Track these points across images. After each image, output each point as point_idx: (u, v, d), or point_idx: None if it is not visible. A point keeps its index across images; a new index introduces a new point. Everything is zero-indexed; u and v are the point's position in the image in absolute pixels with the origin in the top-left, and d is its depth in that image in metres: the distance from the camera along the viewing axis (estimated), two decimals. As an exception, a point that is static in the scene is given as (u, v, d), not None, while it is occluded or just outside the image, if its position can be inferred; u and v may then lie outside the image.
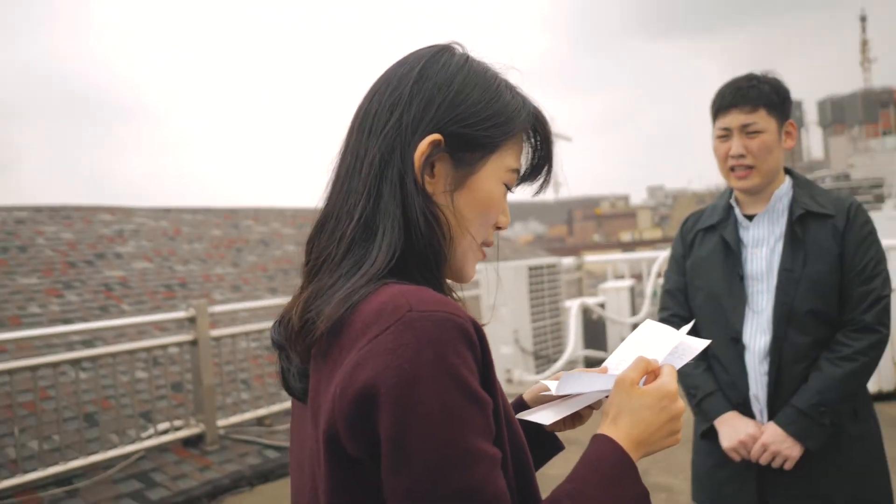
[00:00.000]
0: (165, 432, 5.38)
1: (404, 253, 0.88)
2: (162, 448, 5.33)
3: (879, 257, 2.04)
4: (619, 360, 1.06)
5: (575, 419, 1.09)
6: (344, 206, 0.91)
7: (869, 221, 2.07)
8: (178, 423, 5.49)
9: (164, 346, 5.54)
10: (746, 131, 2.07)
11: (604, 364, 1.08)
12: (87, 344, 6.48)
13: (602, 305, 8.38)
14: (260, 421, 5.98)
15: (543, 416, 1.02)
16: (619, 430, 0.91)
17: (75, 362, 5.07)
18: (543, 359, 6.94)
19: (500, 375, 6.66)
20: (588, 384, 0.99)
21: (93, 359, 5.14)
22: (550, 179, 1.02)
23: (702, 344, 1.02)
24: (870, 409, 2.09)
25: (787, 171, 2.18)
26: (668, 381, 0.94)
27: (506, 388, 6.79)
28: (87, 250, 8.79)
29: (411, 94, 0.92)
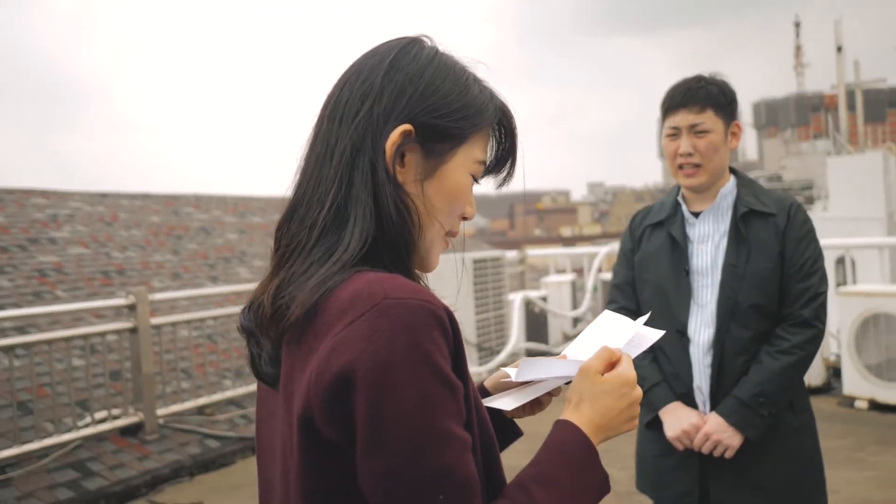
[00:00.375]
0: (103, 421, 5.28)
1: (375, 240, 0.90)
2: (99, 437, 5.22)
3: (817, 255, 2.14)
4: (579, 349, 1.09)
5: (535, 405, 1.13)
6: (315, 193, 0.92)
7: (808, 221, 2.17)
8: (115, 411, 5.38)
9: (102, 334, 5.42)
10: (694, 131, 2.15)
11: (563, 352, 1.11)
12: (21, 331, 6.28)
13: (544, 299, 8.51)
14: (200, 410, 5.90)
15: (505, 403, 1.05)
16: (581, 415, 0.96)
17: (8, 349, 4.93)
18: (486, 350, 7.01)
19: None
20: (549, 370, 1.03)
21: (27, 346, 5.00)
22: (514, 172, 1.05)
23: (657, 334, 1.07)
24: (806, 402, 2.19)
25: (732, 171, 2.27)
26: (627, 368, 0.98)
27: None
28: (20, 234, 8.50)
29: (382, 83, 0.93)
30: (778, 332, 2.12)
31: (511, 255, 9.89)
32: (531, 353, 7.79)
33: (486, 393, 1.15)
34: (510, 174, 1.05)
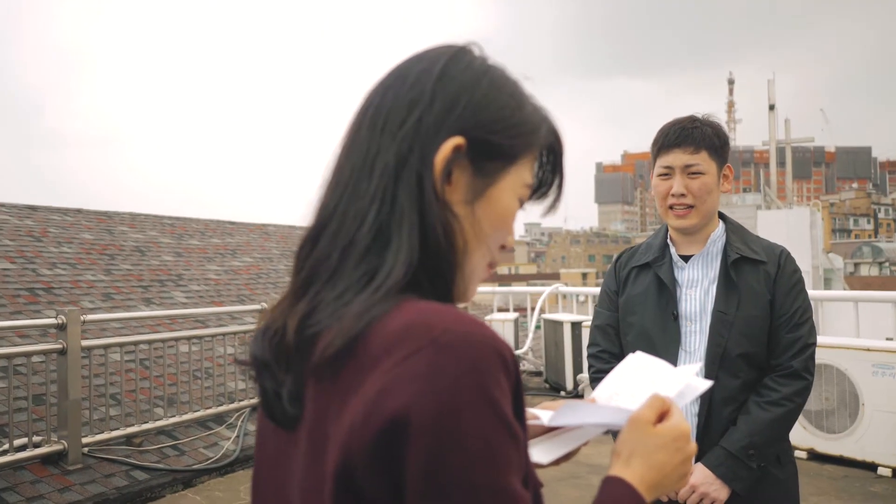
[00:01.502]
0: (23, 448, 4.93)
1: (419, 266, 0.79)
2: (17, 465, 4.87)
3: (806, 306, 2.10)
4: (612, 392, 1.00)
5: (562, 456, 1.02)
6: (350, 209, 0.81)
7: (798, 270, 2.14)
8: (37, 438, 5.04)
9: (27, 354, 5.09)
10: (688, 171, 2.10)
11: (593, 395, 1.01)
12: (-65, 347, 5.87)
13: (488, 336, 8.41)
14: (129, 439, 5.59)
15: (540, 453, 0.94)
16: (633, 472, 0.85)
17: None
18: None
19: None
20: (592, 416, 0.93)
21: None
22: (561, 198, 0.95)
23: (705, 384, 0.98)
24: (791, 455, 2.14)
25: (721, 216, 2.22)
26: (680, 420, 0.89)
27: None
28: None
29: (434, 91, 0.82)
30: (767, 383, 2.06)
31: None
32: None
33: None
34: (557, 201, 0.94)
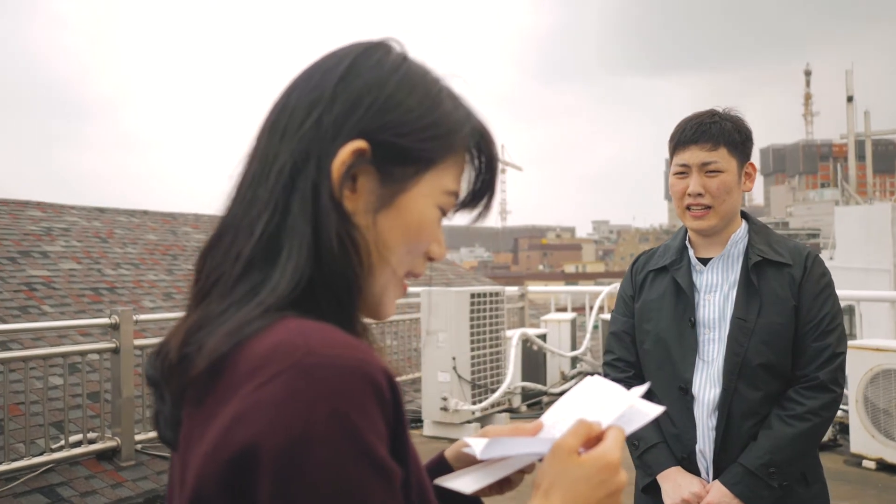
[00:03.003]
0: (78, 444, 5.07)
1: (312, 281, 0.72)
2: (73, 461, 5.01)
3: (836, 312, 1.96)
4: (558, 419, 0.91)
5: (504, 484, 0.94)
6: (244, 218, 0.75)
7: (826, 273, 1.99)
8: (92, 435, 5.18)
9: (83, 353, 5.23)
10: (706, 170, 1.97)
11: (539, 419, 0.93)
12: (2, 346, 6.11)
13: (543, 337, 8.30)
14: (181, 437, 5.69)
15: (466, 483, 0.87)
16: None
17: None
18: (481, 388, 6.80)
19: (436, 403, 6.50)
20: (517, 448, 0.85)
21: (3, 362, 4.82)
22: (491, 207, 0.87)
23: (655, 410, 0.89)
24: (819, 473, 2.00)
25: (744, 216, 2.09)
26: (611, 448, 0.79)
27: (440, 417, 6.65)
28: (12, 246, 8.35)
29: (335, 91, 0.76)
30: (791, 395, 1.92)
31: (511, 290, 9.70)
32: (526, 393, 7.58)
33: (445, 466, 0.97)
34: (487, 208, 0.87)
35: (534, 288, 11.42)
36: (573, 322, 9.44)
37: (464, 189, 0.85)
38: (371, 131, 0.75)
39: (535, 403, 7.68)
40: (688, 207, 2.00)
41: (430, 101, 0.79)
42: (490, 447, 0.84)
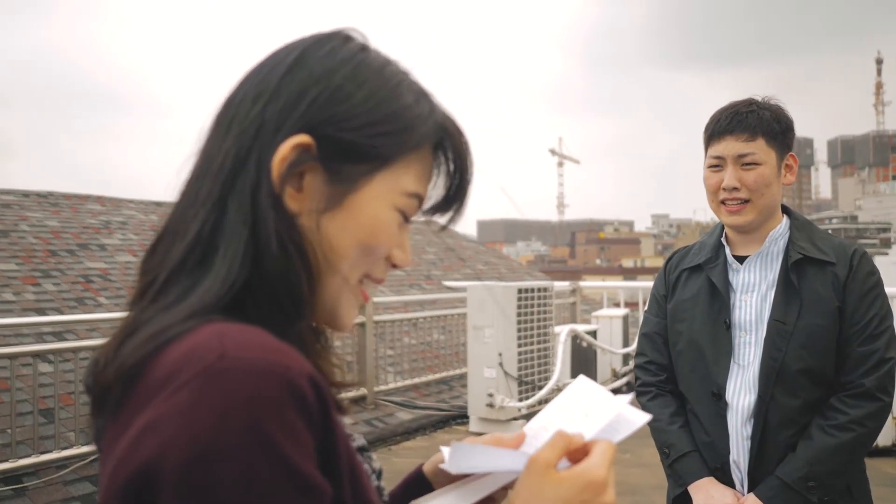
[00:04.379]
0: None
1: (251, 286, 0.67)
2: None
3: (884, 314, 1.81)
4: (541, 428, 0.83)
5: (487, 502, 0.87)
6: (183, 219, 0.70)
7: (875, 272, 1.84)
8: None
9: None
10: (742, 162, 1.84)
11: (523, 429, 0.85)
12: (58, 336, 6.27)
13: (594, 333, 8.15)
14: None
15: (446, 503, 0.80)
16: None
17: (37, 354, 4.86)
18: (528, 385, 6.70)
19: (482, 399, 6.43)
20: (486, 461, 0.77)
21: (55, 352, 4.93)
22: (462, 210, 0.80)
23: (642, 419, 0.80)
24: (865, 487, 1.85)
25: (785, 210, 1.95)
26: (597, 464, 0.71)
27: (486, 413, 6.58)
28: (71, 239, 8.58)
29: (281, 82, 0.71)
30: (833, 404, 1.79)
31: (562, 285, 9.56)
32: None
33: (423, 482, 0.90)
34: (457, 213, 0.79)
35: (585, 283, 11.24)
36: (625, 318, 9.24)
37: (434, 191, 0.77)
38: (316, 126, 0.69)
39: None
40: (723, 202, 1.88)
41: (385, 94, 0.72)
42: (457, 458, 0.76)
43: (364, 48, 0.75)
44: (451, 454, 0.76)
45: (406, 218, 0.76)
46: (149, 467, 0.55)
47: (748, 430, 1.83)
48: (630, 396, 0.82)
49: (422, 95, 0.75)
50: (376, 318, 7.22)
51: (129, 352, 0.63)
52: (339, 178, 0.71)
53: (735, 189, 1.84)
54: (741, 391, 1.84)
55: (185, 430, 0.55)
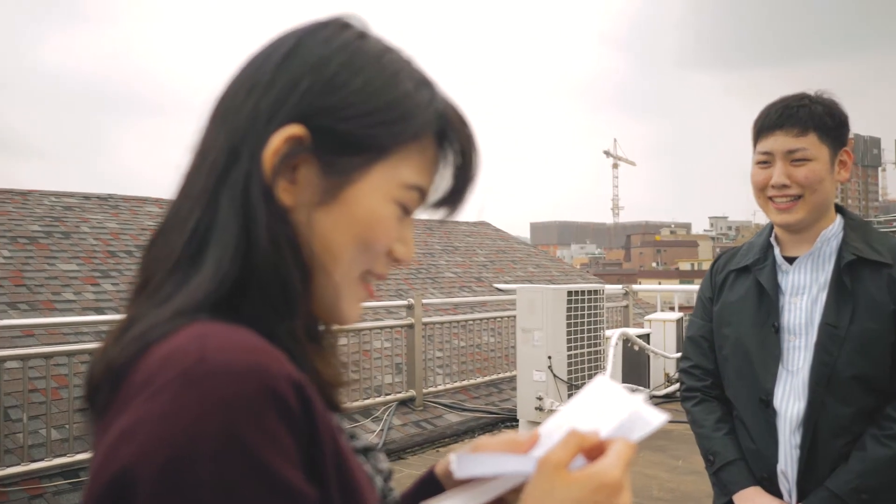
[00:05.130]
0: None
1: (244, 283, 0.65)
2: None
3: None
4: (555, 429, 0.80)
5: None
6: (179, 214, 0.69)
7: None
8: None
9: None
10: (792, 158, 1.76)
11: (537, 429, 0.81)
12: (115, 335, 6.43)
13: (647, 337, 8.01)
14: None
15: None
16: None
17: (92, 352, 4.98)
18: (578, 388, 6.60)
19: (531, 402, 6.37)
20: (493, 466, 0.74)
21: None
22: (463, 202, 0.76)
23: (659, 418, 0.75)
24: None
25: (839, 210, 1.86)
26: (612, 464, 0.66)
27: (535, 417, 6.52)
28: (130, 241, 8.80)
29: (275, 72, 0.69)
30: (889, 413, 1.69)
31: (614, 288, 9.43)
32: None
33: (435, 483, 0.87)
34: (458, 204, 0.76)
35: (638, 286, 11.07)
36: (679, 322, 9.06)
37: (439, 183, 0.74)
38: (310, 116, 0.67)
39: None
40: (771, 198, 1.80)
41: (382, 81, 0.69)
42: (464, 465, 0.73)
43: (362, 35, 0.72)
44: (458, 461, 0.73)
45: (407, 211, 0.73)
46: (125, 473, 0.54)
47: (797, 438, 1.75)
48: (645, 394, 0.78)
49: (422, 84, 0.72)
50: (425, 319, 7.23)
51: (117, 351, 0.62)
52: (335, 170, 0.68)
53: (784, 186, 1.76)
54: (790, 398, 1.77)
55: (161, 435, 0.54)
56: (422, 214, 0.76)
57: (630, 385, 7.31)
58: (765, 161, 1.80)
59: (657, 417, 0.74)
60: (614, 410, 0.75)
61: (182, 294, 0.63)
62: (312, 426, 0.59)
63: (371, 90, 0.69)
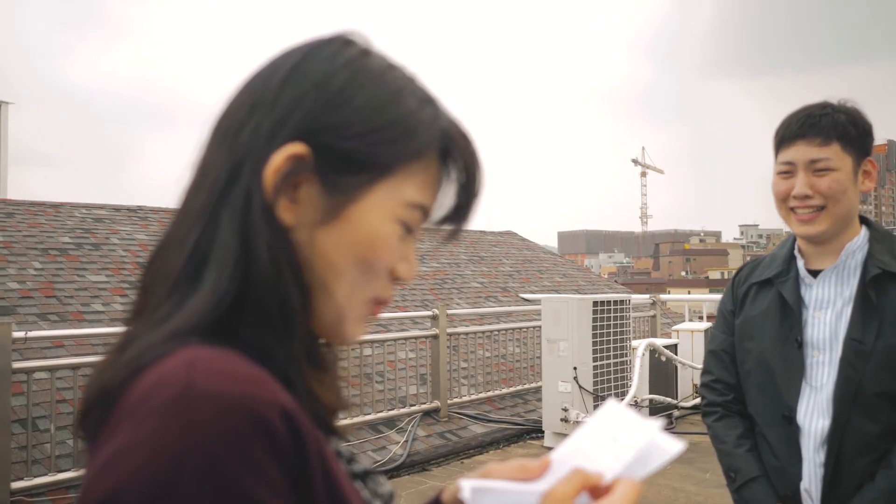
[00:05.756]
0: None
1: (242, 303, 0.64)
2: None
3: None
4: (569, 453, 0.78)
5: None
6: (179, 232, 0.68)
7: None
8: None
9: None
10: (814, 168, 1.72)
11: (549, 455, 0.80)
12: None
13: (674, 347, 7.92)
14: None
15: None
16: None
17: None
18: (604, 399, 6.54)
19: (557, 413, 6.32)
20: (507, 497, 0.73)
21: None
22: (467, 220, 0.75)
23: (675, 447, 0.73)
24: None
25: (864, 221, 1.82)
26: (621, 501, 0.64)
27: (560, 428, 6.46)
28: (140, 252, 8.90)
29: (277, 89, 0.68)
30: None
31: (640, 298, 9.34)
32: (655, 406, 7.25)
33: None
34: (459, 223, 0.75)
35: (666, 296, 10.95)
36: (707, 332, 8.96)
37: (442, 201, 0.73)
38: (313, 134, 0.66)
39: (665, 417, 7.32)
40: (793, 209, 1.77)
41: (386, 99, 0.69)
42: (476, 494, 0.72)
43: (365, 52, 0.72)
44: (472, 491, 0.72)
45: (409, 230, 0.72)
46: (110, 499, 0.53)
47: (821, 455, 1.71)
48: (662, 422, 0.76)
49: (426, 101, 0.72)
50: (450, 330, 7.21)
51: (110, 374, 0.61)
52: (337, 188, 0.67)
53: (807, 197, 1.72)
54: (814, 414, 1.73)
55: (146, 462, 0.53)
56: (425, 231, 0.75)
57: (653, 397, 7.23)
58: (787, 171, 1.76)
59: (674, 447, 0.72)
60: (630, 439, 0.73)
61: (179, 315, 0.63)
62: (302, 455, 0.58)
63: (374, 108, 0.68)
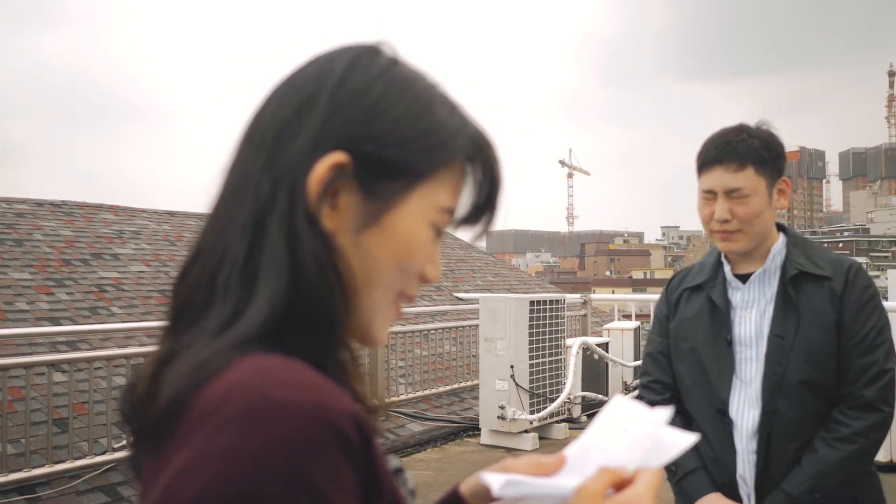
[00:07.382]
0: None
1: (289, 311, 0.65)
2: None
3: (882, 325, 1.85)
4: (581, 453, 0.84)
5: None
6: (220, 240, 0.69)
7: (871, 286, 1.89)
8: (153, 435, 5.29)
9: (146, 355, 5.34)
10: (732, 196, 1.87)
11: (563, 452, 0.86)
12: (72, 346, 6.31)
13: (605, 346, 8.13)
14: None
15: None
16: None
17: (51, 364, 4.90)
18: (540, 397, 6.70)
19: (494, 411, 6.43)
20: (535, 489, 0.78)
21: (70, 362, 4.96)
22: (492, 224, 0.80)
23: (688, 440, 0.80)
24: (875, 496, 1.89)
25: (781, 228, 1.99)
26: (642, 492, 0.70)
27: (497, 426, 6.57)
28: (85, 249, 8.65)
29: (316, 99, 0.70)
30: (836, 416, 1.82)
31: (572, 297, 9.55)
32: (587, 403, 7.43)
33: (460, 502, 0.90)
34: (487, 225, 0.79)
35: (596, 296, 11.21)
36: (637, 331, 9.21)
37: (464, 204, 0.77)
38: (353, 143, 0.69)
39: (596, 413, 7.52)
40: (715, 231, 1.92)
41: (420, 108, 0.72)
42: (508, 487, 0.77)
43: (395, 62, 0.75)
44: (504, 483, 0.76)
45: (439, 233, 0.75)
46: None
47: (753, 444, 1.86)
48: (667, 413, 0.82)
49: (453, 109, 0.75)
50: (387, 329, 7.22)
51: (170, 385, 0.62)
52: (376, 195, 0.70)
53: (726, 221, 1.87)
54: (745, 406, 1.88)
55: (225, 473, 0.54)
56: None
57: (586, 394, 7.42)
58: (708, 197, 1.91)
59: (685, 439, 0.78)
60: (640, 433, 0.79)
61: (238, 325, 0.64)
62: (371, 459, 0.61)
63: (411, 116, 0.71)
